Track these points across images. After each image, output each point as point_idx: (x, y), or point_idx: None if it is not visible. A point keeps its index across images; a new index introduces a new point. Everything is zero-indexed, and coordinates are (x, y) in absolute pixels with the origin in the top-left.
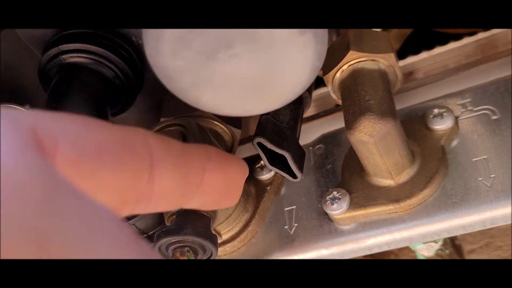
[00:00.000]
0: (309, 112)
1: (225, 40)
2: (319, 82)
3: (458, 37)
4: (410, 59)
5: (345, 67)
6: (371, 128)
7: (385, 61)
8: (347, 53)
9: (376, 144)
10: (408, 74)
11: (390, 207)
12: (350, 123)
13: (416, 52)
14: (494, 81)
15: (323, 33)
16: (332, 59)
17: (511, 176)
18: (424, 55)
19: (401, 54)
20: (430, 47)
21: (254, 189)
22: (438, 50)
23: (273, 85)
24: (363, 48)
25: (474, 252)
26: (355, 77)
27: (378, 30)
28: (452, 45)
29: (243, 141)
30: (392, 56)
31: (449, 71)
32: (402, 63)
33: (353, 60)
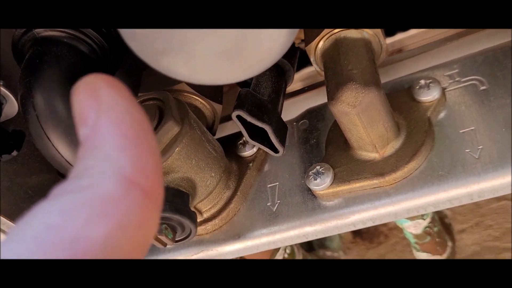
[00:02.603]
0: (295, 88)
1: None
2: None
3: None
4: (399, 36)
5: (327, 36)
6: (354, 98)
7: (369, 30)
8: None
9: (359, 115)
10: (398, 51)
11: (375, 181)
12: (332, 94)
13: (405, 28)
14: (482, 51)
15: None
16: (314, 29)
17: (499, 147)
18: (413, 31)
19: (390, 30)
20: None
21: (236, 166)
22: None
23: (248, 50)
24: None
25: (465, 231)
26: (338, 47)
27: None
28: None
29: (225, 119)
30: None
31: (437, 42)
32: (391, 40)
33: (335, 29)
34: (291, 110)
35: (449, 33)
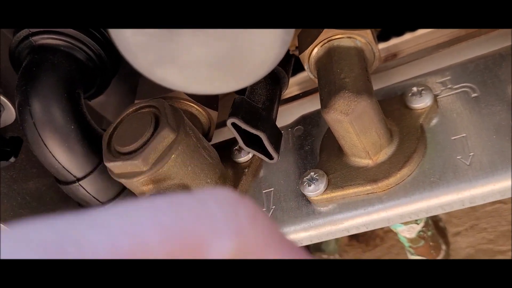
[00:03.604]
0: (292, 94)
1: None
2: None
3: None
4: (394, 41)
5: (320, 44)
6: (346, 106)
7: (361, 38)
8: (323, 30)
9: (352, 122)
10: (392, 56)
11: (368, 187)
12: (325, 102)
13: (399, 33)
14: (473, 59)
15: None
16: (307, 37)
17: (489, 154)
18: (407, 36)
19: (384, 35)
20: (413, 28)
21: (232, 172)
22: (421, 31)
23: (242, 61)
24: None
25: (460, 235)
26: (330, 55)
27: None
28: None
29: (221, 125)
30: (368, 33)
31: (429, 49)
32: (385, 45)
33: (328, 38)
34: (286, 116)
35: (442, 40)
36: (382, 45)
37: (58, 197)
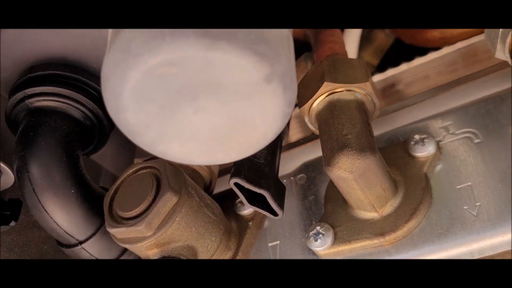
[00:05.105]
0: (293, 128)
1: (189, 93)
2: None
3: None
4: (390, 72)
5: (320, 98)
6: (350, 165)
7: (361, 91)
8: (322, 84)
9: (356, 180)
10: (390, 87)
11: (375, 241)
12: (328, 160)
13: (395, 64)
14: (474, 102)
15: (291, 79)
16: (307, 90)
17: (496, 204)
18: (404, 67)
19: (381, 67)
20: (409, 58)
21: (236, 225)
22: (418, 61)
23: (244, 134)
24: (338, 78)
25: None
26: (331, 110)
27: (354, 58)
28: (432, 55)
29: (224, 172)
30: (368, 85)
31: (429, 92)
32: (382, 76)
33: (328, 91)
34: (287, 164)
35: (438, 69)
36: (379, 77)
37: (60, 255)
